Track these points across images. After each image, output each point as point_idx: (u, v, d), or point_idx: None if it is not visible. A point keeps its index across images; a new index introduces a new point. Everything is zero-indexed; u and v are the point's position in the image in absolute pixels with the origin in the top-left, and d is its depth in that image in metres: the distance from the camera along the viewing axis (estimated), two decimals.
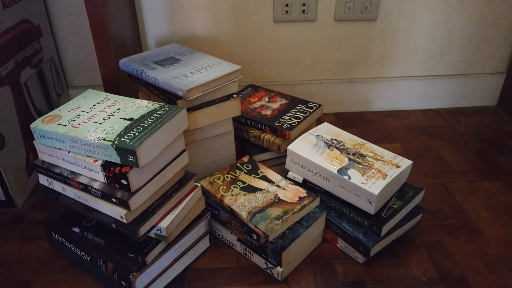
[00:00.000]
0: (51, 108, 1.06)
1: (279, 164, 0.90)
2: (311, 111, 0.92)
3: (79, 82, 1.19)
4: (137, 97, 0.94)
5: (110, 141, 0.58)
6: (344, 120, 1.19)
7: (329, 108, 1.23)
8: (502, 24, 1.14)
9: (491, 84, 1.22)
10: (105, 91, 0.91)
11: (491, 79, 1.22)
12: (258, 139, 0.88)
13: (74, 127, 0.62)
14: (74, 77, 1.18)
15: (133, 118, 0.63)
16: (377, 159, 0.76)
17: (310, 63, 1.18)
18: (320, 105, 0.94)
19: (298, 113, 0.91)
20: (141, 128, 0.60)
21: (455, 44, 1.16)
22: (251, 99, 0.98)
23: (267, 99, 0.98)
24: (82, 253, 0.69)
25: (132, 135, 0.59)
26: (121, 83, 0.92)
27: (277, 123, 0.87)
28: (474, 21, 1.13)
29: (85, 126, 0.62)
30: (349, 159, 0.75)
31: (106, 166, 0.59)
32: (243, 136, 0.91)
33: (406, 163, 0.75)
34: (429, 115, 1.21)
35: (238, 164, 0.82)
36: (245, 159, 0.84)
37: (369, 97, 1.22)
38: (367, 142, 0.81)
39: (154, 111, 0.65)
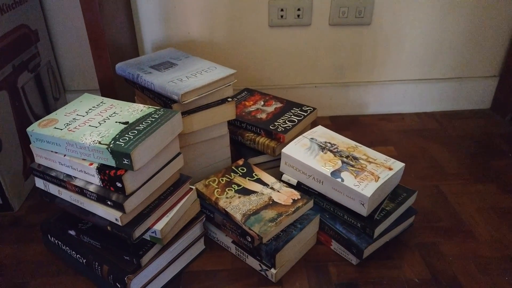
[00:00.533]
0: (48, 112, 1.07)
1: (274, 167, 0.91)
2: (305, 114, 0.93)
3: (76, 86, 1.19)
4: (133, 101, 0.95)
5: (105, 144, 0.59)
6: (339, 124, 1.20)
7: (324, 111, 1.25)
8: (495, 28, 1.16)
9: (484, 87, 1.24)
10: (102, 95, 0.92)
11: (484, 82, 1.23)
12: (253, 142, 0.89)
13: (70, 130, 0.63)
14: (71, 81, 1.19)
15: (128, 122, 0.64)
16: (370, 162, 0.77)
17: (305, 67, 1.19)
18: (314, 109, 0.95)
19: (292, 116, 0.92)
20: (136, 132, 0.61)
21: (448, 48, 1.18)
22: (247, 103, 0.99)
23: (262, 102, 0.99)
24: (78, 255, 0.69)
25: (127, 138, 0.60)
26: (118, 87, 0.93)
27: (271, 126, 0.88)
28: (467, 25, 1.15)
29: (81, 130, 0.63)
30: (342, 162, 0.76)
31: (102, 169, 0.60)
32: (238, 139, 0.92)
33: (398, 165, 0.76)
34: (423, 118, 1.22)
35: (233, 167, 0.83)
36: (240, 162, 0.85)
37: (364, 100, 1.23)
38: (360, 145, 0.82)
39: (149, 114, 0.66)
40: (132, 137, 0.60)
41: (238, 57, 1.16)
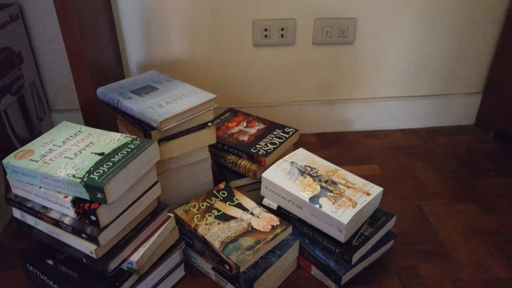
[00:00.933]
0: (32, 134, 1.07)
1: (256, 189, 0.91)
2: (287, 136, 0.93)
3: (61, 105, 1.19)
4: (116, 124, 0.95)
5: (79, 178, 0.59)
6: (324, 141, 1.21)
7: (310, 128, 1.25)
8: (477, 46, 1.17)
9: (468, 103, 1.25)
10: (84, 118, 0.92)
11: (468, 99, 1.24)
12: (235, 165, 0.89)
13: (46, 163, 0.63)
14: (57, 100, 1.19)
15: (104, 153, 0.64)
16: (349, 187, 0.77)
17: (290, 85, 1.20)
18: (296, 130, 0.96)
19: (274, 138, 0.93)
20: (111, 164, 0.61)
21: (432, 65, 1.19)
22: (229, 124, 0.99)
23: (245, 123, 0.99)
24: (55, 285, 0.69)
25: (101, 171, 0.60)
26: (99, 110, 0.93)
27: (253, 149, 0.89)
28: (449, 43, 1.16)
29: (56, 162, 0.63)
30: (321, 187, 0.77)
31: (76, 202, 0.60)
32: (220, 161, 0.92)
33: (376, 190, 0.76)
34: (408, 134, 1.23)
35: (214, 191, 0.83)
36: (221, 185, 0.85)
37: (349, 117, 1.24)
38: (340, 168, 0.82)
39: (125, 145, 0.66)
40: (106, 169, 0.60)
41: (223, 76, 1.17)
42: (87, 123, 0.93)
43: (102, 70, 0.97)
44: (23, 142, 1.02)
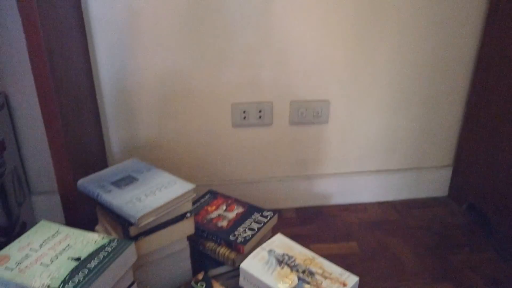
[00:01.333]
0: (10, 220, 1.06)
1: (236, 276, 0.91)
2: (265, 221, 0.95)
3: (43, 187, 1.20)
4: (95, 213, 0.96)
5: None
6: (304, 216, 1.23)
7: (289, 203, 1.28)
8: (444, 122, 1.25)
9: (440, 176, 1.30)
10: (63, 208, 0.93)
11: (440, 171, 1.30)
12: (214, 252, 0.90)
13: (21, 271, 0.63)
14: (38, 183, 1.19)
15: (80, 258, 0.65)
16: (326, 277, 0.78)
17: (269, 162, 1.24)
18: (274, 214, 0.98)
19: (253, 223, 0.95)
20: (87, 271, 0.62)
21: (403, 141, 1.25)
22: (209, 208, 1.01)
23: (224, 207, 1.01)
24: None
25: (77, 280, 0.60)
26: (80, 198, 0.94)
27: (232, 236, 0.90)
28: (418, 119, 1.23)
29: (32, 270, 0.63)
30: (299, 278, 0.78)
31: None
32: (200, 248, 0.93)
33: (353, 280, 0.78)
34: (384, 207, 1.26)
35: (192, 283, 0.83)
36: (200, 276, 0.85)
37: (327, 192, 1.27)
38: (317, 256, 0.84)
39: (102, 247, 0.67)
40: (81, 278, 0.60)
41: (203, 155, 1.21)
42: (66, 212, 0.94)
43: (83, 156, 1.00)
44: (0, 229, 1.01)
